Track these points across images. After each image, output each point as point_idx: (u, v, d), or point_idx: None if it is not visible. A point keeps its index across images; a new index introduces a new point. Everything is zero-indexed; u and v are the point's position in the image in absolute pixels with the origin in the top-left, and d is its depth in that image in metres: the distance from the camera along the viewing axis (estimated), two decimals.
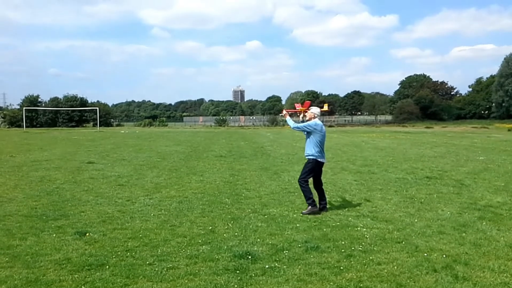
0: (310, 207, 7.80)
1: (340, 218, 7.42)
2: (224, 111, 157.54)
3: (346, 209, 8.18)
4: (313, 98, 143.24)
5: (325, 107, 10.38)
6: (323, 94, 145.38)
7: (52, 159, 17.42)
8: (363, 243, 5.95)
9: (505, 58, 77.23)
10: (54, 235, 6.42)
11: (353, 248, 5.76)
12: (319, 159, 7.97)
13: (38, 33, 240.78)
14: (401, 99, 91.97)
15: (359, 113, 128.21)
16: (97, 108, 61.87)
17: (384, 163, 15.71)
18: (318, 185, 8.14)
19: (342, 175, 12.69)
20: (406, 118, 79.93)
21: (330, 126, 70.00)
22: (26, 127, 57.22)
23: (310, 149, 7.99)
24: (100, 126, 59.23)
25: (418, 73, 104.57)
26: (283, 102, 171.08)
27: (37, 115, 66.83)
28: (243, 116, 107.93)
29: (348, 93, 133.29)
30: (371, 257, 5.35)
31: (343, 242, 6.00)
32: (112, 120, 79.20)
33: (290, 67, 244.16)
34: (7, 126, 63.02)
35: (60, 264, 5.21)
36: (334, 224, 7.01)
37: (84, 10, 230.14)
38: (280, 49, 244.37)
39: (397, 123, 77.44)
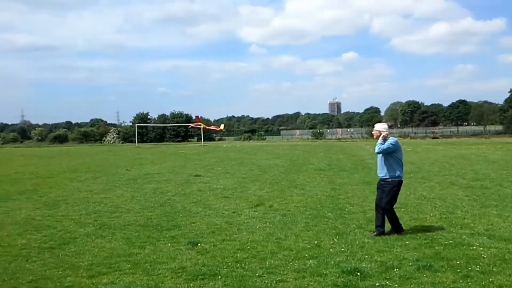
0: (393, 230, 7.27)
1: (453, 236, 7.04)
2: (321, 124, 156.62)
3: (459, 226, 7.73)
4: (414, 108, 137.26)
5: (221, 127, 9.72)
6: (425, 104, 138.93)
7: (163, 172, 18.64)
8: (480, 263, 5.59)
9: None
10: (169, 245, 6.88)
11: (469, 268, 5.43)
12: (402, 179, 7.49)
13: (147, 55, 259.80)
14: None
15: (465, 123, 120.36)
16: (201, 124, 64.95)
17: (498, 177, 14.59)
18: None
19: (451, 190, 12.02)
20: None
21: (434, 138, 66.49)
22: (137, 142, 61.66)
23: (392, 170, 7.33)
24: (204, 140, 62.02)
25: None
26: (382, 113, 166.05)
27: (147, 131, 71.73)
28: (340, 129, 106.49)
29: (452, 103, 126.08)
30: (490, 279, 5.02)
31: (458, 262, 5.69)
32: (214, 134, 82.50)
33: (388, 77, 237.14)
34: (121, 141, 68.36)
35: (176, 272, 5.57)
36: (446, 242, 6.67)
37: (187, 32, 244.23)
38: (378, 59, 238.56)
39: (508, 133, 71.29)
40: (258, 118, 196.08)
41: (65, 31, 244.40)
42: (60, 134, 74.82)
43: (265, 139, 76.75)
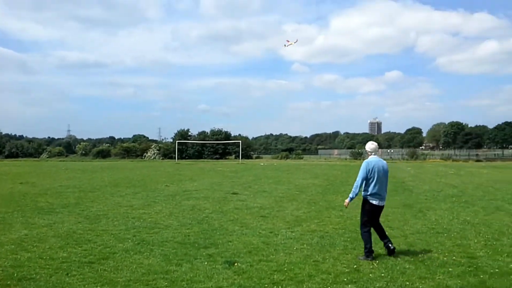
0: (365, 256, 7.18)
1: (499, 265, 6.73)
2: (360, 144, 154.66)
3: (505, 254, 7.39)
4: (458, 129, 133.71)
5: None
6: (469, 126, 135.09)
7: (201, 189, 18.82)
8: None
9: None
10: (205, 263, 6.89)
11: None
12: (370, 200, 7.36)
13: (191, 73, 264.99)
14: None
15: (511, 146, 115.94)
16: (240, 141, 65.40)
17: None
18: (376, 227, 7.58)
19: (497, 216, 11.54)
20: None
21: (477, 161, 64.31)
22: (177, 158, 62.61)
23: (365, 188, 7.43)
24: (241, 158, 62.30)
25: None
26: (424, 134, 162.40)
27: (187, 147, 72.78)
28: (380, 149, 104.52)
29: (498, 125, 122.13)
30: None
31: None
32: (252, 152, 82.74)
33: (432, 97, 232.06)
34: (161, 157, 69.62)
35: None
36: (492, 271, 6.38)
37: (231, 49, 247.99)
38: (422, 78, 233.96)
39: None
40: (296, 136, 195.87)
41: (115, 48, 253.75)
42: (103, 149, 76.83)
43: (302, 158, 76.32)
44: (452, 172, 31.84)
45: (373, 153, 7.59)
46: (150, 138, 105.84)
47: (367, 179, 7.36)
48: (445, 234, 8.95)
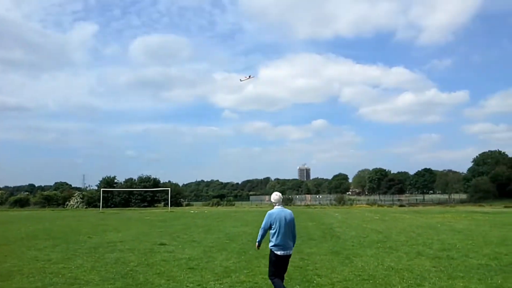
0: None
1: None
2: (290, 189, 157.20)
3: None
4: (382, 175, 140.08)
5: None
6: (391, 172, 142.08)
7: (127, 240, 18.00)
8: None
9: None
10: None
11: None
12: (274, 251, 7.54)
13: (118, 118, 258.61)
14: (475, 177, 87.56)
15: (431, 191, 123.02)
16: (169, 188, 64.07)
17: (464, 247, 14.71)
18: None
19: (419, 261, 11.99)
20: (482, 197, 75.50)
21: (401, 206, 67.34)
22: (102, 207, 60.00)
23: (270, 239, 7.64)
24: (170, 206, 60.82)
25: (492, 149, 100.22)
26: (350, 180, 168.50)
27: (112, 195, 70.10)
28: (309, 195, 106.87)
29: (418, 171, 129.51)
30: None
31: None
32: (182, 199, 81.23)
33: (357, 145, 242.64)
34: (85, 206, 66.40)
35: None
36: None
37: (161, 96, 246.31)
38: (347, 126, 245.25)
39: (472, 202, 73.13)
40: (228, 183, 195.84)
41: (38, 91, 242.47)
42: (21, 197, 72.12)
43: (234, 204, 76.02)
44: (378, 217, 32.97)
45: (276, 204, 7.70)
46: (73, 186, 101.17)
47: (271, 230, 7.49)
48: (371, 281, 9.13)
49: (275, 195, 7.79)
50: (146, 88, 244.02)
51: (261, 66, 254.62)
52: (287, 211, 7.63)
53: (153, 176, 75.85)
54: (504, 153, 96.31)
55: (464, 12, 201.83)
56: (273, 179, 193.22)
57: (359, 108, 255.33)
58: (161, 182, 77.59)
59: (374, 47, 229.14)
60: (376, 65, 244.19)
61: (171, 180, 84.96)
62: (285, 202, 75.91)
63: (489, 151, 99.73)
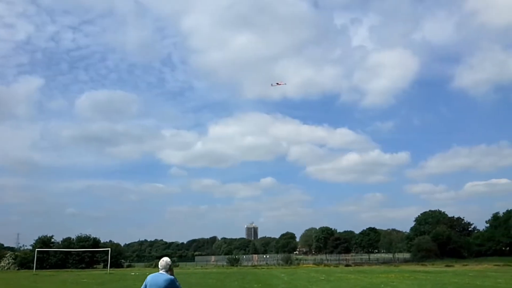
0: None
1: None
2: (237, 249, 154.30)
3: None
4: (328, 234, 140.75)
5: None
6: (338, 231, 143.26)
7: None
8: None
9: None
10: None
11: None
12: None
13: (59, 174, 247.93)
14: (418, 236, 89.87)
15: (376, 250, 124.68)
16: (109, 249, 61.19)
17: None
18: None
19: None
20: (424, 256, 77.12)
21: (347, 266, 67.53)
22: (36, 268, 56.15)
23: None
24: (110, 267, 57.82)
25: (433, 209, 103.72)
26: (297, 239, 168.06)
27: (48, 256, 65.96)
28: (256, 255, 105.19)
29: (363, 230, 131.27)
30: None
31: None
32: (123, 260, 77.70)
33: (304, 203, 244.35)
34: (17, 268, 61.96)
35: None
36: None
37: (106, 151, 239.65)
38: (294, 185, 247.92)
39: (415, 261, 74.53)
40: (172, 242, 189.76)
41: None
42: None
43: (178, 265, 73.33)
44: (323, 277, 32.76)
45: (162, 269, 7.60)
46: (5, 246, 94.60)
47: None
48: None
49: (161, 261, 7.73)
50: (91, 143, 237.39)
51: (210, 123, 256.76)
52: (165, 277, 7.46)
53: (93, 236, 72.57)
54: (444, 212, 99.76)
55: (404, 78, 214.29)
56: (219, 238, 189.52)
57: (306, 167, 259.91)
58: (102, 241, 74.31)
59: (320, 108, 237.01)
60: (322, 125, 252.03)
61: (113, 240, 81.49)
62: (231, 262, 74.45)
63: (430, 210, 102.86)
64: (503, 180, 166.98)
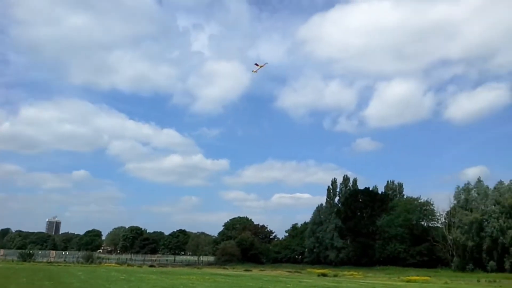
0: None
1: None
2: (33, 243, 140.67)
3: None
4: (137, 234, 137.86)
5: None
6: (147, 231, 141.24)
7: None
8: None
9: (317, 208, 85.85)
10: None
11: None
12: None
13: None
14: (224, 240, 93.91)
15: (183, 252, 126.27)
16: None
17: None
18: None
19: None
20: (227, 260, 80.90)
21: (151, 266, 66.84)
22: None
23: None
24: None
25: (241, 216, 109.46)
26: (103, 237, 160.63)
27: None
28: (54, 251, 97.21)
29: (173, 232, 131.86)
30: None
31: None
32: None
33: (117, 200, 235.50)
34: None
35: None
36: None
37: None
38: (110, 181, 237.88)
39: (218, 264, 77.72)
40: None
41: None
42: None
43: None
44: (123, 277, 31.56)
45: None
46: None
47: None
48: None
49: None
50: None
51: (24, 103, 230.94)
52: None
53: None
54: (251, 220, 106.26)
55: (235, 90, 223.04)
56: (14, 231, 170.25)
57: (126, 163, 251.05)
58: None
59: (150, 106, 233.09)
60: (149, 123, 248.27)
61: None
62: (24, 257, 67.61)
63: (238, 217, 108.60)
64: (306, 195, 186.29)
